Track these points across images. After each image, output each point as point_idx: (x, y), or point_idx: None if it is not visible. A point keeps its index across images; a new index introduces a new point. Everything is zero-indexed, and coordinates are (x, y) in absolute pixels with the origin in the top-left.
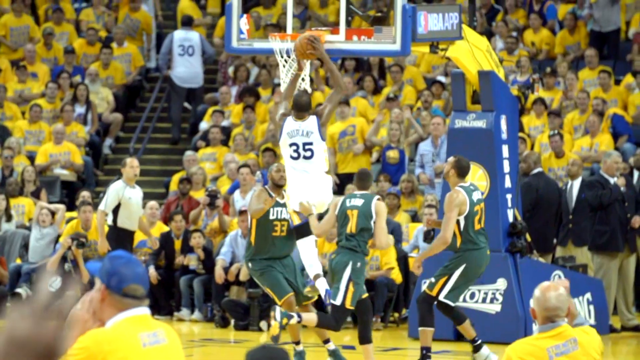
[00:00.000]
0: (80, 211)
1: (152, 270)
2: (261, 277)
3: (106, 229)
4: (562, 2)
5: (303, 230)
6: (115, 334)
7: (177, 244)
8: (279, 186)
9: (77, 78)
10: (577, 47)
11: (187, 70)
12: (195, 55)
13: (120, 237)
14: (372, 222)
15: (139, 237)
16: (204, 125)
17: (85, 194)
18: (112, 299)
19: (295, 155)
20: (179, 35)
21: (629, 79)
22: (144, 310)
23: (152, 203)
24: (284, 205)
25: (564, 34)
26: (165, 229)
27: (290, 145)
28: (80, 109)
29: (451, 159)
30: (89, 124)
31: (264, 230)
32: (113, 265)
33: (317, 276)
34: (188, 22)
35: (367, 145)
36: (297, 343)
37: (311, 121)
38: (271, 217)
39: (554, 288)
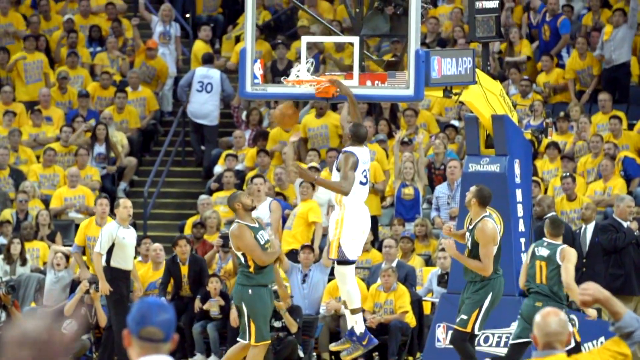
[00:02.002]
0: (96, 204)
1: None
2: (255, 310)
3: None
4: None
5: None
6: None
7: (184, 270)
8: (252, 209)
9: (92, 122)
10: (589, 72)
11: (199, 106)
12: (213, 93)
13: (114, 278)
14: (561, 270)
15: (147, 279)
16: (218, 169)
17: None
18: (134, 343)
19: (364, 180)
20: (201, 71)
21: None
22: (161, 358)
23: (156, 245)
24: (260, 227)
25: (575, 57)
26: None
27: (362, 172)
28: (99, 148)
29: (473, 188)
30: (110, 162)
31: None
32: (136, 308)
33: (356, 310)
34: (209, 60)
35: (378, 188)
36: None
37: (366, 147)
38: (261, 242)
39: (554, 313)
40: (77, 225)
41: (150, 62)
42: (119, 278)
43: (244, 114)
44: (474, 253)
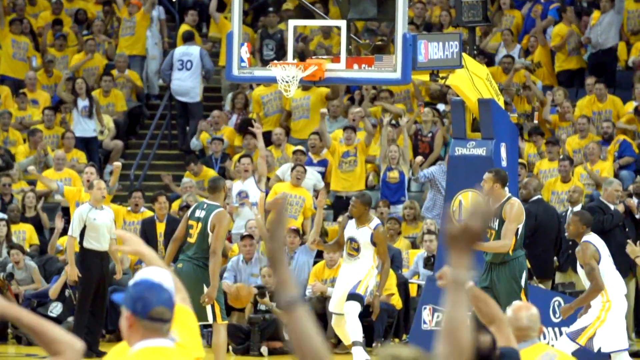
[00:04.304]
0: (83, 172)
1: None
2: (220, 293)
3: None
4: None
5: (359, 297)
6: None
7: (160, 227)
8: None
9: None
10: (573, 34)
11: (181, 83)
12: (193, 70)
13: (87, 258)
14: None
15: (135, 257)
16: (195, 142)
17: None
18: (138, 325)
19: None
20: (180, 50)
21: (628, 107)
22: (164, 342)
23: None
24: None
25: (561, 25)
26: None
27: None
28: (83, 102)
29: (488, 174)
30: (94, 118)
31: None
32: (137, 290)
33: (356, 343)
34: (189, 37)
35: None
36: None
37: None
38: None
39: (525, 308)
40: (64, 208)
41: (134, 14)
42: (91, 259)
43: (229, 97)
44: (500, 233)
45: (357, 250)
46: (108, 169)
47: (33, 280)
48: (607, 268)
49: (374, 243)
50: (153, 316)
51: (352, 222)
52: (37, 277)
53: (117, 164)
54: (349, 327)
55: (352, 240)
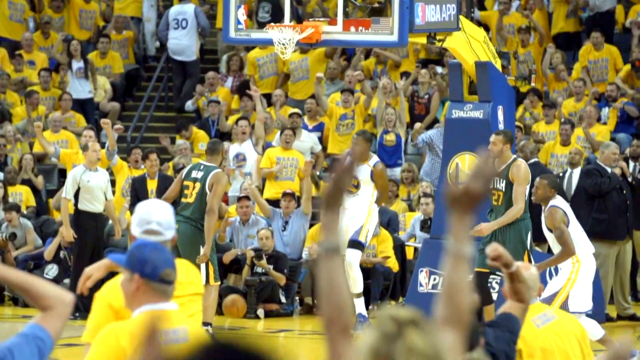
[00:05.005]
0: (82, 135)
1: None
2: (212, 252)
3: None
4: None
5: (361, 244)
6: (133, 329)
7: (151, 184)
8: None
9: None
10: None
11: (177, 42)
12: (188, 28)
13: (82, 220)
14: None
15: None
16: (191, 107)
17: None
18: (147, 287)
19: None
20: (175, 9)
21: (627, 68)
22: (169, 306)
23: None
24: None
25: None
26: None
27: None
28: (78, 64)
29: (496, 136)
30: (89, 79)
31: None
32: (143, 253)
33: (359, 295)
34: None
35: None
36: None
37: None
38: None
39: (525, 267)
40: (60, 170)
41: None
42: (86, 221)
43: (224, 59)
44: (509, 195)
45: (357, 186)
46: (105, 131)
47: (27, 241)
48: (575, 230)
49: (373, 180)
50: (164, 278)
51: None
52: (30, 237)
53: (105, 120)
54: (351, 279)
55: None
